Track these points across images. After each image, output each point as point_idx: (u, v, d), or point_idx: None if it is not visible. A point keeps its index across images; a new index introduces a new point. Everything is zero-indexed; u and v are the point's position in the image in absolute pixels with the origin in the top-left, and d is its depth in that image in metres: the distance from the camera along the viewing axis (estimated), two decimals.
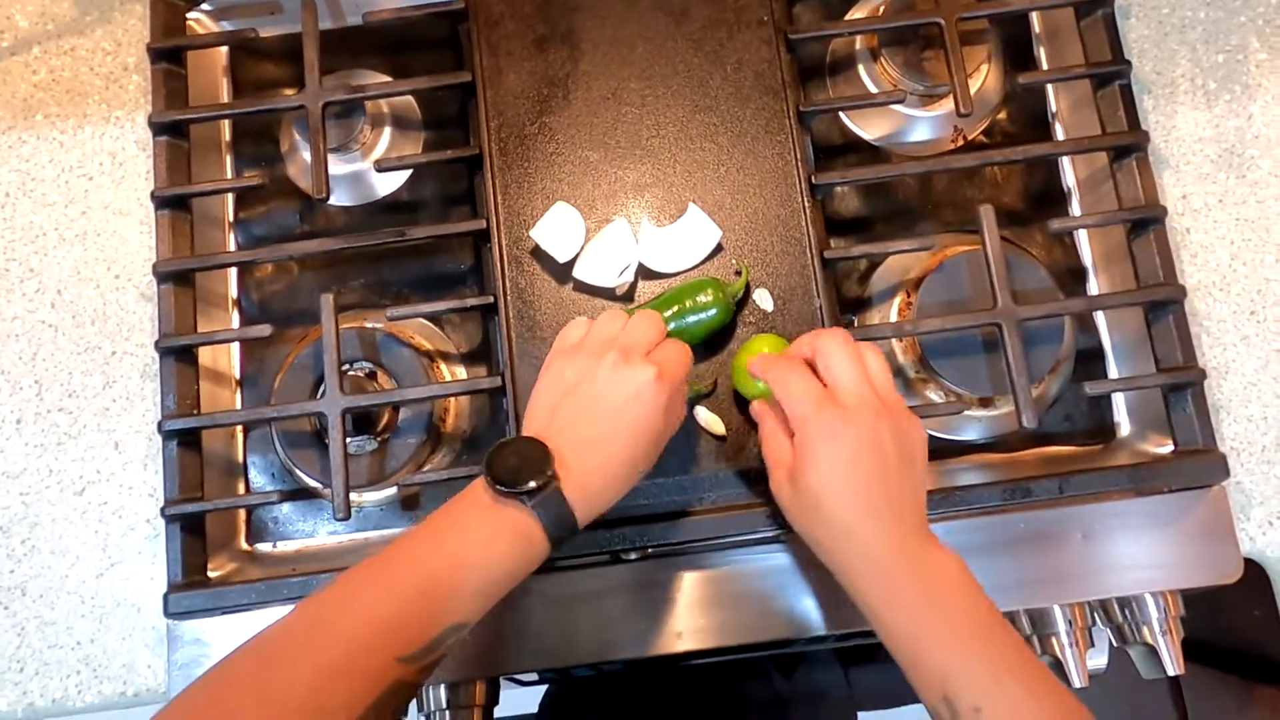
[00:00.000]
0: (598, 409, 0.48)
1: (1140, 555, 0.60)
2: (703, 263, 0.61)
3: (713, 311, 0.57)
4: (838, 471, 0.47)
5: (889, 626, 0.47)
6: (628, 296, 0.61)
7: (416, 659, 0.42)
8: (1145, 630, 0.60)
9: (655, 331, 0.52)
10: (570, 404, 0.49)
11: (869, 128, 0.69)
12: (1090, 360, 0.66)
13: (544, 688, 0.81)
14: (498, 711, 0.64)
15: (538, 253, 0.62)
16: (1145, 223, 0.62)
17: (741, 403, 0.59)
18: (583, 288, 0.61)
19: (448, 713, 0.61)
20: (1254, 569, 0.62)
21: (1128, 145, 0.63)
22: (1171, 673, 0.61)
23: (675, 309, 0.57)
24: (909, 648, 0.46)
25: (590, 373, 0.49)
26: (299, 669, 0.41)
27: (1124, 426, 0.65)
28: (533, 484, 0.46)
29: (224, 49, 0.73)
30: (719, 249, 0.61)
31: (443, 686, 0.61)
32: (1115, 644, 0.62)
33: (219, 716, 0.40)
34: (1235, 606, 0.64)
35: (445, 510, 0.48)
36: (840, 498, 0.47)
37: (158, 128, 0.65)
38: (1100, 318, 0.66)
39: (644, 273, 0.61)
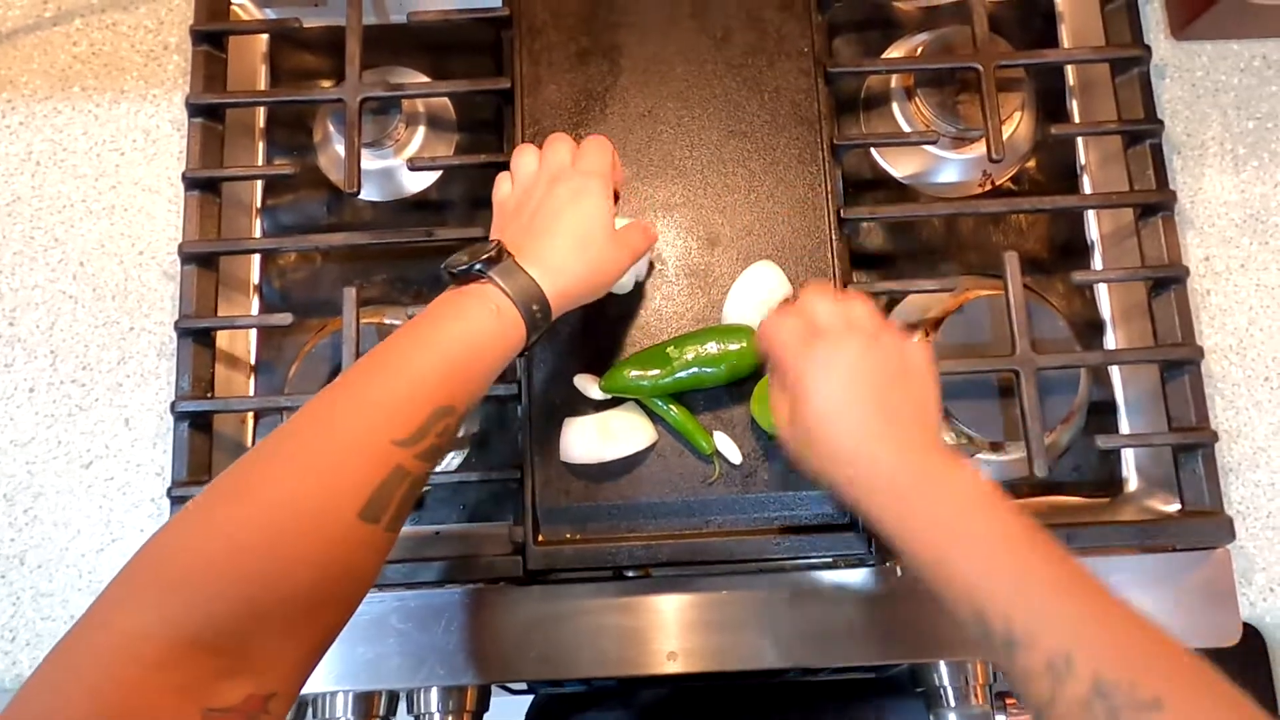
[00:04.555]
0: (545, 208, 0.51)
1: (1142, 610, 0.60)
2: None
3: (741, 360, 0.57)
4: (833, 397, 0.46)
5: (910, 546, 0.44)
6: (634, 296, 0.61)
7: (410, 443, 0.42)
8: None
9: (605, 156, 0.53)
10: (520, 212, 0.52)
11: (898, 165, 0.70)
12: (1102, 413, 0.66)
13: (530, 698, 0.81)
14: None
15: None
16: (1167, 282, 0.62)
17: (758, 431, 0.59)
18: (592, 306, 0.61)
19: (437, 716, 0.61)
20: (1251, 635, 0.62)
21: (1155, 204, 0.63)
22: None
23: (697, 352, 0.57)
24: (932, 566, 0.43)
25: (537, 186, 0.52)
26: (302, 458, 0.41)
27: (1132, 481, 0.65)
28: (485, 255, 0.47)
29: (265, 36, 0.73)
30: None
31: (435, 690, 0.61)
32: None
33: (249, 490, 0.40)
34: (1230, 671, 0.64)
35: (422, 311, 0.49)
36: (839, 422, 0.46)
37: (194, 109, 0.66)
38: (1115, 372, 0.67)
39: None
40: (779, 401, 0.50)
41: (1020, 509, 0.44)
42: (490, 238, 0.51)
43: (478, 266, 0.47)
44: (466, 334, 0.46)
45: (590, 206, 0.50)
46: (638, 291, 0.61)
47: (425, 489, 0.64)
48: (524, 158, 0.54)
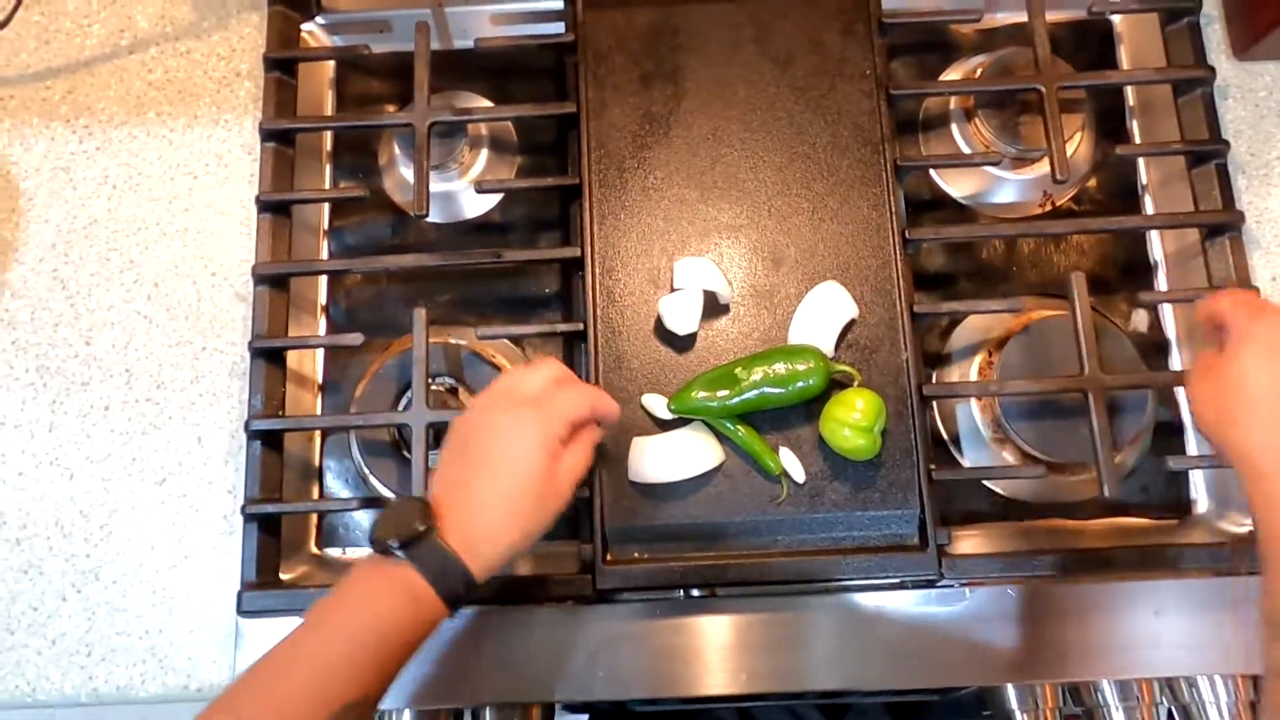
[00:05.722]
0: (473, 457, 0.49)
1: (1211, 636, 0.59)
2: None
3: (810, 381, 0.57)
4: (1265, 369, 0.45)
5: (1272, 525, 0.44)
6: (689, 340, 0.61)
7: None
8: (1212, 712, 0.60)
9: (540, 380, 0.51)
10: (454, 456, 0.50)
11: (957, 185, 0.70)
12: (1168, 434, 0.65)
13: (585, 714, 0.81)
14: None
15: (627, 285, 0.62)
16: None
17: (826, 452, 0.59)
18: (660, 327, 0.62)
19: None
20: None
21: (1222, 224, 0.63)
22: None
23: (765, 372, 0.58)
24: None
25: (474, 423, 0.50)
26: None
27: (1201, 503, 0.64)
28: (408, 536, 0.45)
29: (331, 62, 0.75)
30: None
31: (500, 708, 0.61)
32: None
33: None
34: None
35: (335, 588, 0.48)
36: (1258, 394, 0.45)
37: (267, 134, 0.67)
38: (1181, 393, 0.66)
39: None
40: (1201, 362, 0.49)
41: None
42: (437, 467, 0.51)
43: (396, 548, 0.46)
44: (380, 624, 0.45)
45: (520, 450, 0.48)
46: (704, 312, 0.61)
47: None
48: (504, 380, 0.52)
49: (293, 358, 0.67)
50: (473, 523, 0.47)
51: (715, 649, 0.60)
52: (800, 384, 0.58)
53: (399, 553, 0.46)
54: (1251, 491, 0.45)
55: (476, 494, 0.48)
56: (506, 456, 0.48)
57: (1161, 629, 0.59)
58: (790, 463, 0.59)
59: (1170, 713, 0.62)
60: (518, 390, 0.51)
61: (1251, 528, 0.60)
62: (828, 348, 0.60)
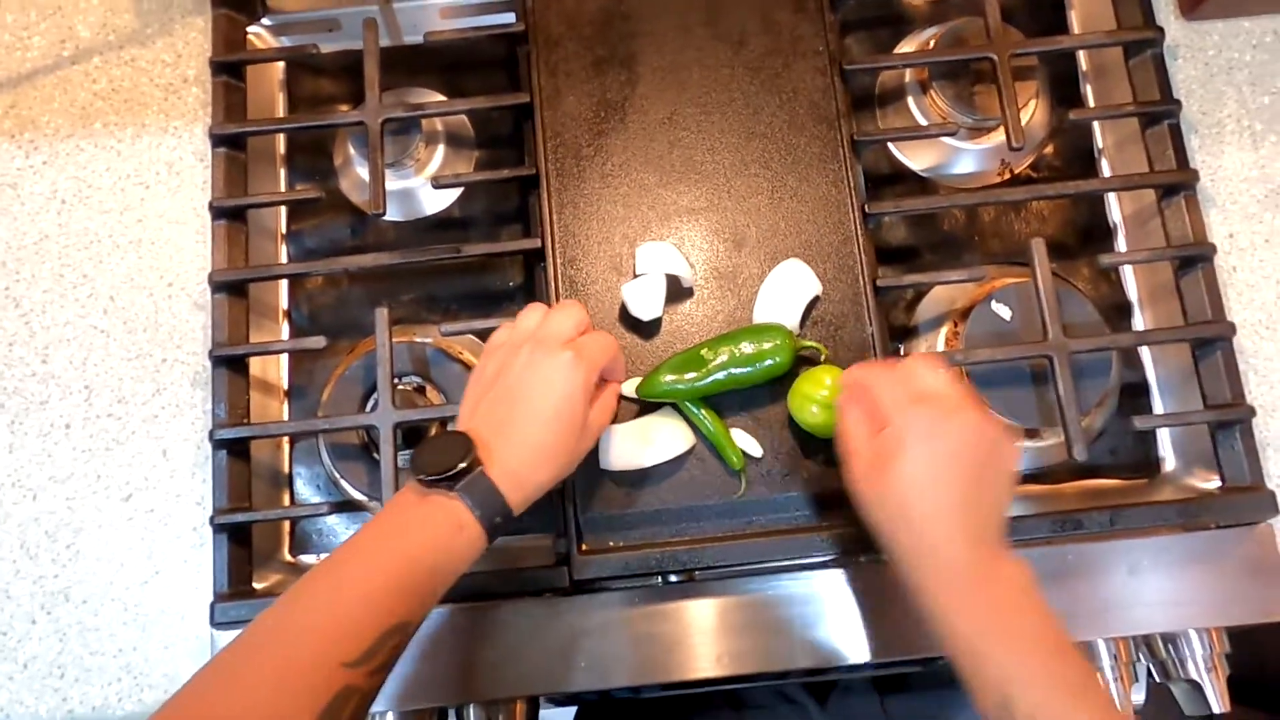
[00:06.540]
0: (515, 396, 0.50)
1: (1185, 591, 0.60)
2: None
3: (776, 359, 0.57)
4: (931, 467, 0.47)
5: (954, 628, 0.47)
6: (655, 325, 0.61)
7: (359, 664, 0.43)
8: (1189, 666, 0.60)
9: (572, 323, 0.52)
10: (491, 396, 0.51)
11: (916, 158, 0.70)
12: (1134, 395, 0.66)
13: (574, 706, 0.81)
14: None
15: (590, 274, 0.62)
16: (1194, 260, 0.62)
17: (795, 430, 0.59)
18: (624, 314, 0.61)
19: None
20: None
21: (1177, 183, 0.64)
22: (1216, 710, 0.60)
23: (731, 353, 0.57)
24: (971, 652, 0.46)
25: (508, 365, 0.51)
26: (248, 684, 0.42)
27: (1169, 461, 0.65)
28: (455, 468, 0.47)
29: (281, 63, 0.74)
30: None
31: (484, 705, 0.61)
32: (1158, 680, 0.62)
33: (202, 711, 0.41)
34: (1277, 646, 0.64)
35: (378, 516, 0.49)
36: (926, 494, 0.47)
37: (217, 139, 0.66)
38: (1145, 353, 0.67)
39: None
40: (860, 439, 0.51)
41: (1051, 611, 0.47)
42: (461, 408, 0.52)
43: (449, 484, 0.47)
44: (426, 551, 0.47)
45: (560, 394, 0.49)
46: (668, 296, 0.61)
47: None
48: (528, 319, 0.53)
49: (257, 365, 0.66)
50: (513, 459, 0.49)
51: (696, 633, 0.59)
52: (767, 362, 0.58)
53: (446, 485, 0.47)
54: (912, 573, 0.48)
55: (517, 433, 0.49)
56: (549, 398, 0.50)
57: (1136, 587, 0.60)
58: (745, 442, 0.59)
59: (1149, 670, 0.62)
60: (552, 332, 0.52)
61: (1220, 483, 0.61)
62: (793, 325, 0.60)
